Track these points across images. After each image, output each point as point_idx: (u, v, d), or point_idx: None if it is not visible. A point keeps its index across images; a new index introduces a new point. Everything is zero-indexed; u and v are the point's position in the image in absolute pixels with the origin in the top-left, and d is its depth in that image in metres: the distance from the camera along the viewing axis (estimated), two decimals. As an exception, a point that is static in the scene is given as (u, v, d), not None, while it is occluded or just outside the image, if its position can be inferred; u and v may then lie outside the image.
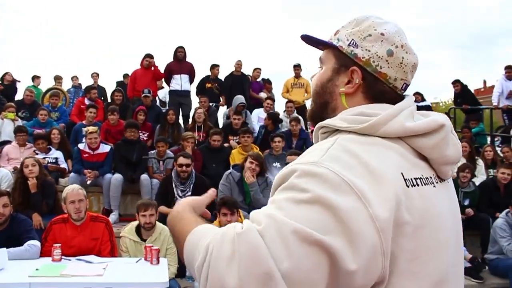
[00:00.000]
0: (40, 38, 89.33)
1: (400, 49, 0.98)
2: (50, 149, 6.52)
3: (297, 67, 9.93)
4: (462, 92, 10.30)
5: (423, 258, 0.86)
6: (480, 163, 7.25)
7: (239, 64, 9.48)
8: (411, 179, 0.89)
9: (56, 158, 6.47)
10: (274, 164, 6.65)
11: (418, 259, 0.85)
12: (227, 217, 4.14)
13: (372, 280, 0.80)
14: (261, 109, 8.83)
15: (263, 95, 9.79)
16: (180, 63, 8.96)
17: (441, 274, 0.89)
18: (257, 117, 8.66)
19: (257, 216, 0.81)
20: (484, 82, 52.47)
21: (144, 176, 5.98)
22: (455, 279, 0.96)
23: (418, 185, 0.89)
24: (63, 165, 6.51)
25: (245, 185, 5.44)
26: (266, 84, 10.51)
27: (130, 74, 9.27)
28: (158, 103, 9.27)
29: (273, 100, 9.21)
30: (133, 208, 6.26)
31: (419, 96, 11.09)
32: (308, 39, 1.08)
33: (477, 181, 6.62)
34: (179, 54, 8.98)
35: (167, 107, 9.30)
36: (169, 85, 9.07)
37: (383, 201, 0.80)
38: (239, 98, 8.48)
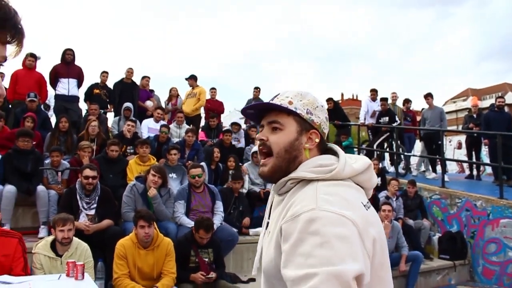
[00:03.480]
0: None
1: (327, 116, 1.46)
2: None
3: (191, 78, 10.22)
4: (334, 109, 11.57)
5: (384, 263, 1.28)
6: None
7: (130, 72, 9.47)
8: (365, 204, 1.28)
9: None
10: (170, 175, 6.90)
11: (383, 264, 1.26)
12: (144, 229, 4.37)
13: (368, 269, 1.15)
14: (151, 119, 8.97)
15: (149, 103, 9.89)
16: (68, 66, 8.67)
17: (384, 268, 1.28)
18: (147, 127, 8.77)
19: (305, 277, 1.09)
20: (342, 94, 57.99)
21: (41, 188, 5.78)
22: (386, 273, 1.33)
23: (369, 208, 1.29)
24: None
25: (148, 196, 5.64)
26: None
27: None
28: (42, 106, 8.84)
29: (163, 110, 9.38)
30: (25, 221, 6.10)
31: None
32: (265, 105, 1.41)
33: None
34: (68, 57, 8.68)
35: (52, 112, 8.96)
36: (54, 89, 8.71)
37: (361, 220, 1.18)
38: (127, 104, 8.54)
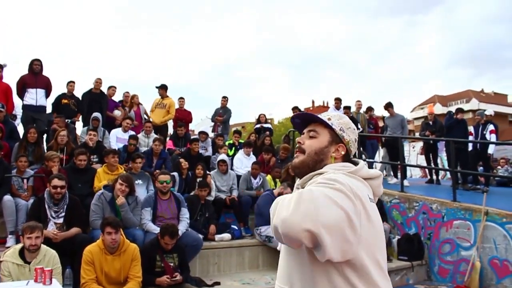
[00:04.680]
0: None
1: (357, 138, 1.79)
2: None
3: (162, 88, 10.40)
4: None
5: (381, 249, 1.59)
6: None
7: (98, 82, 9.60)
8: (371, 198, 1.60)
9: None
10: (136, 181, 7.07)
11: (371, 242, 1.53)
12: (111, 235, 4.57)
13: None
14: (119, 129, 9.11)
15: (117, 113, 10.02)
16: (36, 76, 8.74)
17: (382, 255, 1.59)
18: (115, 137, 8.91)
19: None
20: (313, 101, 59.00)
21: (7, 197, 5.88)
22: (385, 264, 1.62)
23: (373, 202, 1.61)
24: None
25: (116, 204, 5.82)
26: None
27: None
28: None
29: (132, 120, 9.53)
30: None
31: (264, 117, 12.43)
32: (311, 116, 1.78)
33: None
34: (35, 67, 8.74)
35: (19, 122, 9.00)
36: (22, 99, 8.76)
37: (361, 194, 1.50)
38: (94, 114, 8.67)
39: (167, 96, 10.44)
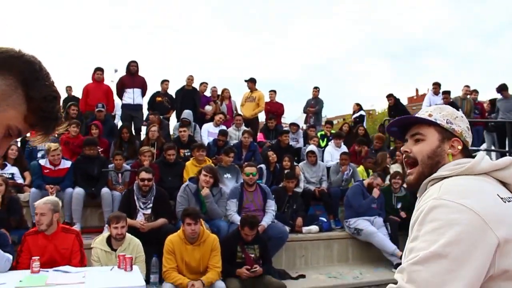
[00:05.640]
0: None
1: (469, 127, 1.55)
2: (5, 165, 6.67)
3: (251, 81, 10.46)
4: (395, 105, 11.33)
5: None
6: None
7: (190, 79, 9.92)
8: (505, 197, 1.30)
9: (12, 174, 6.63)
10: (225, 175, 7.16)
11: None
12: (191, 226, 4.62)
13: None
14: (211, 124, 9.31)
15: (208, 108, 10.26)
16: (133, 77, 9.25)
17: None
18: (207, 131, 9.12)
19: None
20: (417, 90, 56.04)
21: (105, 190, 6.28)
22: None
23: (511, 201, 1.30)
24: (20, 180, 6.67)
25: (201, 196, 5.90)
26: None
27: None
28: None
29: (225, 115, 9.69)
30: (93, 221, 6.61)
31: (357, 106, 12.04)
32: (407, 119, 1.57)
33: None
34: (132, 68, 9.27)
35: (118, 120, 9.62)
36: (121, 99, 9.34)
37: (487, 210, 1.21)
38: (184, 113, 8.94)
39: (256, 89, 10.43)
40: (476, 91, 10.78)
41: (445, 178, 1.38)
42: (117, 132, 8.35)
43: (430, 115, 1.51)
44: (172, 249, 4.65)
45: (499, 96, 9.97)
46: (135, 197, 5.71)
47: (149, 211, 5.69)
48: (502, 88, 9.75)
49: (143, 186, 5.65)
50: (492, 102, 10.76)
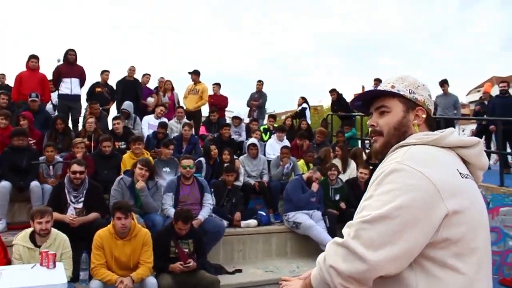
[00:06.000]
0: None
1: (431, 94, 1.58)
2: None
3: (194, 73, 10.29)
4: (338, 100, 11.49)
5: (475, 237, 1.33)
6: (352, 163, 8.30)
7: (132, 70, 9.66)
8: (464, 173, 1.38)
9: None
10: (164, 169, 7.01)
11: (473, 239, 1.32)
12: (121, 220, 4.47)
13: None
14: (151, 116, 9.10)
15: (150, 100, 10.03)
16: (71, 66, 8.87)
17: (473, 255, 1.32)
18: (147, 123, 8.90)
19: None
20: (363, 87, 57.27)
21: (35, 183, 5.98)
22: (487, 257, 1.40)
23: (467, 178, 1.39)
24: None
25: (136, 189, 5.73)
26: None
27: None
28: (51, 107, 9.10)
29: (166, 108, 9.49)
30: (21, 216, 6.28)
31: (302, 100, 12.08)
32: (370, 93, 1.60)
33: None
34: (70, 57, 8.88)
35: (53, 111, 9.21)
36: (58, 89, 8.94)
37: (445, 181, 1.28)
38: (124, 104, 8.70)
39: (200, 82, 10.30)
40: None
41: (412, 145, 1.41)
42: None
43: (392, 87, 1.54)
44: (101, 244, 4.49)
45: (438, 92, 10.34)
46: (66, 191, 5.47)
47: (80, 205, 5.47)
48: (444, 82, 10.12)
49: (75, 179, 5.43)
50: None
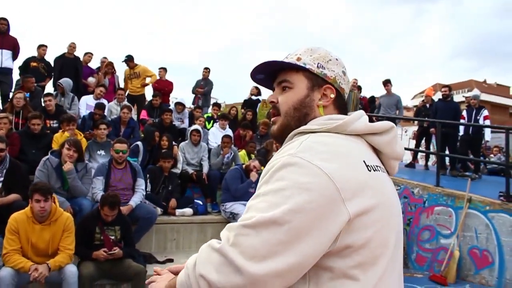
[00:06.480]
0: None
1: (346, 70, 1.31)
2: None
3: (128, 61, 9.94)
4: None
5: (386, 241, 1.10)
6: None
7: (72, 46, 9.13)
8: (370, 165, 1.12)
9: None
10: (98, 152, 6.65)
11: (384, 243, 1.10)
12: (40, 203, 4.13)
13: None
14: (90, 96, 8.65)
15: (91, 80, 9.57)
16: (2, 37, 8.25)
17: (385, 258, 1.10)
18: (85, 104, 8.46)
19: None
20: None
21: None
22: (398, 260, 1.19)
23: (377, 170, 1.14)
24: None
25: (63, 171, 5.37)
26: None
27: None
28: None
29: (106, 88, 9.05)
30: None
31: (256, 90, 11.82)
32: (270, 64, 1.29)
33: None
34: (1, 26, 8.25)
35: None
36: (-14, 60, 8.29)
37: (346, 177, 1.04)
38: (61, 80, 8.22)
39: (137, 64, 9.97)
40: (359, 88, 11.23)
41: (312, 132, 1.17)
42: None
43: (298, 59, 1.27)
44: (16, 228, 4.12)
45: (381, 92, 10.53)
46: (-17, 169, 5.02)
47: (-1, 185, 5.05)
48: (388, 82, 10.30)
49: (-7, 157, 4.99)
50: (371, 99, 11.32)
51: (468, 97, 9.90)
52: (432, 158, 12.47)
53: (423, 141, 11.19)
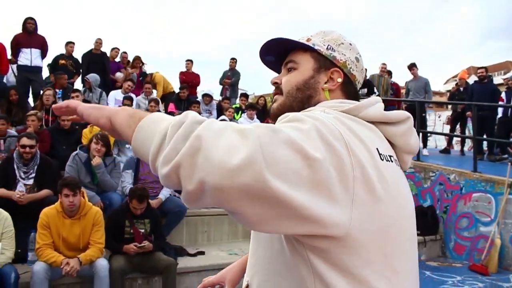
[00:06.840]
0: None
1: (360, 58, 1.21)
2: None
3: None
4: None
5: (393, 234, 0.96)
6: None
7: (98, 42, 9.19)
8: (385, 155, 0.99)
9: None
10: (127, 146, 6.67)
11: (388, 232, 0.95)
12: (69, 197, 4.13)
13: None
14: (119, 91, 8.70)
15: (118, 75, 9.63)
16: (30, 36, 8.35)
17: (397, 251, 0.97)
18: (114, 98, 8.51)
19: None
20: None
21: (-18, 158, 5.58)
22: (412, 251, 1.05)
23: (390, 161, 1.00)
24: None
25: (92, 166, 5.37)
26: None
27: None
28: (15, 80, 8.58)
29: (134, 83, 9.09)
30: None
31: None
32: (280, 42, 1.19)
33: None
34: (29, 25, 8.34)
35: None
36: (16, 59, 8.41)
37: (360, 153, 0.90)
38: (88, 75, 8.28)
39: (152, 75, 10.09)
40: (390, 72, 10.92)
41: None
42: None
43: (308, 40, 1.18)
44: (47, 223, 4.14)
45: (409, 78, 10.23)
46: (15, 166, 5.07)
47: (31, 182, 5.09)
48: (413, 65, 10.02)
49: (24, 153, 5.03)
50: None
51: (506, 79, 9.46)
52: (468, 143, 12.06)
53: (457, 126, 10.84)
